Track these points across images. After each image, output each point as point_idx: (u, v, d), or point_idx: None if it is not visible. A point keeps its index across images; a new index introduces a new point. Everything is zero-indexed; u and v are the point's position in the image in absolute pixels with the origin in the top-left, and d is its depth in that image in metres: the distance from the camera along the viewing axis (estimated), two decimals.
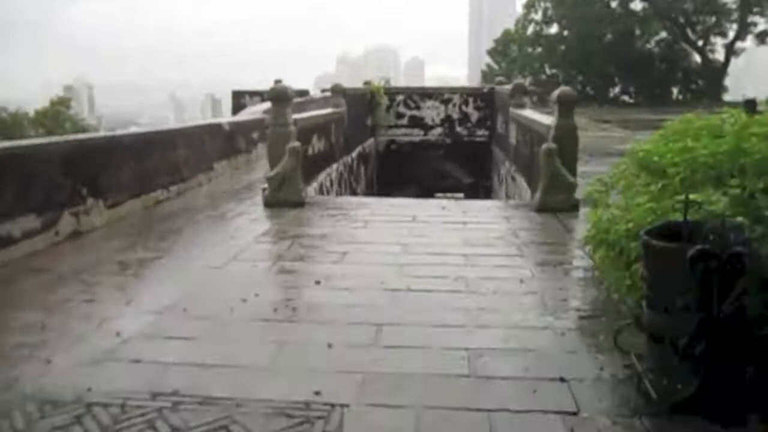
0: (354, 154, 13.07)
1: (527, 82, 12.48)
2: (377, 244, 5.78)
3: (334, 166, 10.68)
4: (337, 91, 12.06)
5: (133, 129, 11.29)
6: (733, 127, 4.49)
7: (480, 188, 16.97)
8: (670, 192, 3.96)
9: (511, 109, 11.63)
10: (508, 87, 13.13)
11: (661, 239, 2.87)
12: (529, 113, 10.02)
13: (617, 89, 40.71)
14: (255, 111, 14.13)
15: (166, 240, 6.02)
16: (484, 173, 16.62)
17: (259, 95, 21.96)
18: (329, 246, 5.74)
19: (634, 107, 35.52)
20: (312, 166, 9.00)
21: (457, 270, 4.91)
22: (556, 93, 7.41)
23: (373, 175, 15.97)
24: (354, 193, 12.88)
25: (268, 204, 7.58)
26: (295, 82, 12.48)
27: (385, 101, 16.11)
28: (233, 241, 5.91)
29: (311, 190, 8.75)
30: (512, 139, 11.48)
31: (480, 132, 16.75)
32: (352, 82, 19.35)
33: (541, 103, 35.43)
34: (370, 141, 15.85)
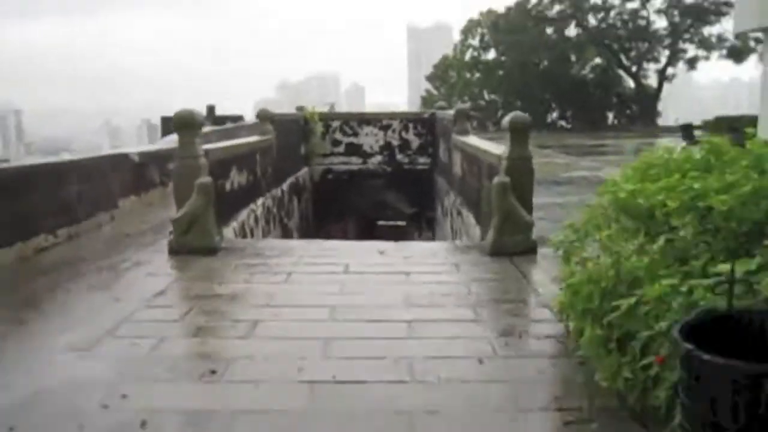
0: (285, 186, 11.90)
1: (467, 107, 11.57)
2: (299, 308, 4.64)
3: (260, 201, 9.48)
4: (264, 117, 10.90)
5: (65, 156, 9.80)
6: (722, 158, 3.66)
7: (423, 219, 16.04)
8: (678, 251, 3.01)
9: (454, 136, 10.74)
10: (450, 112, 12.28)
11: (700, 337, 1.86)
12: (474, 141, 9.12)
13: (554, 114, 41.07)
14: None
15: (30, 306, 4.72)
16: (427, 203, 15.69)
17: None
18: (238, 311, 4.56)
19: (571, 132, 35.71)
20: (231, 204, 7.79)
21: (399, 346, 3.83)
22: (507, 119, 6.49)
23: (307, 207, 14.80)
24: (285, 229, 11.68)
25: (174, 251, 6.34)
26: (234, 107, 11.26)
27: (320, 128, 15.04)
28: (117, 306, 4.67)
29: (230, 231, 7.53)
30: (457, 169, 10.56)
31: (422, 159, 15.86)
32: (292, 107, 18.23)
33: (481, 129, 35.34)
34: (305, 170, 14.70)
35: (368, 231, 18.17)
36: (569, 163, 17.20)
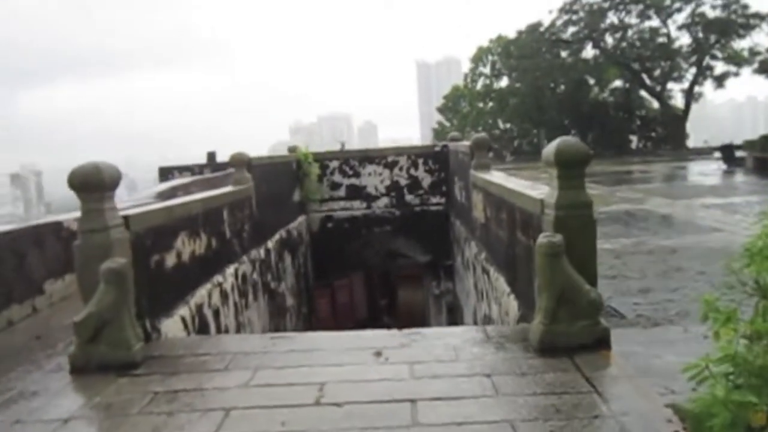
0: (270, 244, 9.87)
1: (485, 136, 9.53)
2: None
3: (230, 269, 7.44)
4: (239, 162, 8.94)
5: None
6: None
7: (440, 268, 13.89)
8: None
9: (473, 173, 8.69)
10: (465, 143, 10.26)
11: None
12: (499, 179, 7.04)
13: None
14: (144, 196, 10.94)
15: None
16: (443, 250, 13.56)
17: (189, 170, 19.24)
18: None
19: (594, 158, 33.59)
20: (176, 285, 5.76)
21: None
22: (551, 148, 4.41)
23: (305, 264, 12.74)
24: (273, 297, 9.61)
25: (76, 369, 4.33)
26: (249, 152, 9.43)
27: (315, 170, 13.08)
28: None
29: (174, 324, 5.48)
30: (478, 213, 8.47)
31: (434, 200, 13.81)
32: (308, 149, 16.51)
33: (497, 159, 33.24)
34: (300, 220, 12.69)
35: (377, 286, 16.07)
36: (604, 195, 15.06)
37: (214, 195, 7.34)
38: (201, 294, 6.33)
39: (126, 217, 4.88)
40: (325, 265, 13.53)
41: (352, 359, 4.33)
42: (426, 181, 13.83)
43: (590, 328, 4.24)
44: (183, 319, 5.71)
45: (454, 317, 13.64)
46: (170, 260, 5.66)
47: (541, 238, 4.24)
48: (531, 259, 5.10)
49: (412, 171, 13.81)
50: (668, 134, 35.70)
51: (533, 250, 5.02)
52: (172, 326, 5.45)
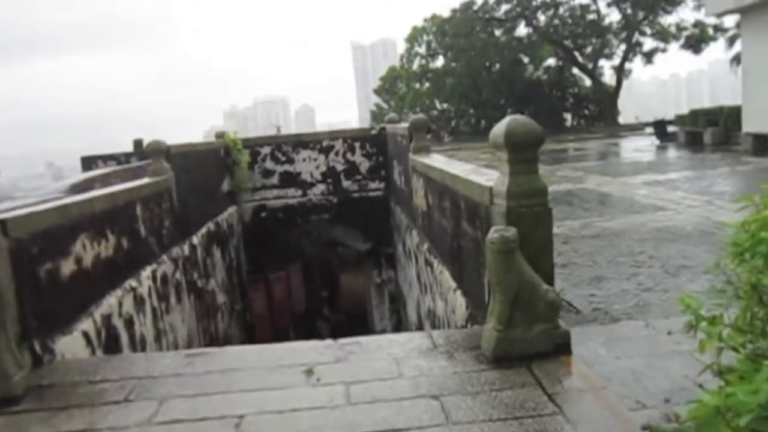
0: (196, 239, 9.07)
1: (424, 117, 8.94)
2: None
3: (146, 271, 6.65)
4: (156, 151, 8.09)
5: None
6: None
7: (381, 255, 13.35)
8: None
9: (412, 157, 8.13)
10: (404, 125, 9.69)
11: None
12: (441, 163, 6.50)
13: None
14: (52, 190, 9.95)
15: None
16: (384, 238, 13.01)
17: (115, 159, 18.06)
18: None
19: None
20: (75, 296, 4.97)
21: None
22: (500, 129, 3.87)
23: (238, 257, 11.96)
24: (201, 296, 8.83)
25: None
26: (182, 138, 8.45)
27: (245, 157, 12.24)
28: None
29: (74, 341, 4.71)
30: (419, 200, 7.93)
31: (373, 185, 13.21)
32: (243, 133, 15.66)
33: (435, 140, 32.90)
34: (230, 211, 11.88)
35: (316, 277, 15.42)
36: (545, 174, 14.80)
37: (123, 189, 6.51)
38: (109, 303, 5.55)
39: (2, 222, 4.08)
40: (260, 258, 12.77)
41: (279, 381, 3.71)
42: (364, 166, 13.20)
43: (549, 333, 3.76)
44: (85, 335, 4.94)
45: (397, 306, 13.17)
46: (67, 268, 4.87)
47: (492, 233, 3.71)
48: (480, 252, 4.59)
49: (349, 155, 13.16)
50: (601, 111, 36.19)
51: (482, 243, 4.50)
52: (70, 345, 4.68)
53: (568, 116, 37.91)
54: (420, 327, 8.74)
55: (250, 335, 12.24)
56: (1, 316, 3.69)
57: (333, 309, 15.34)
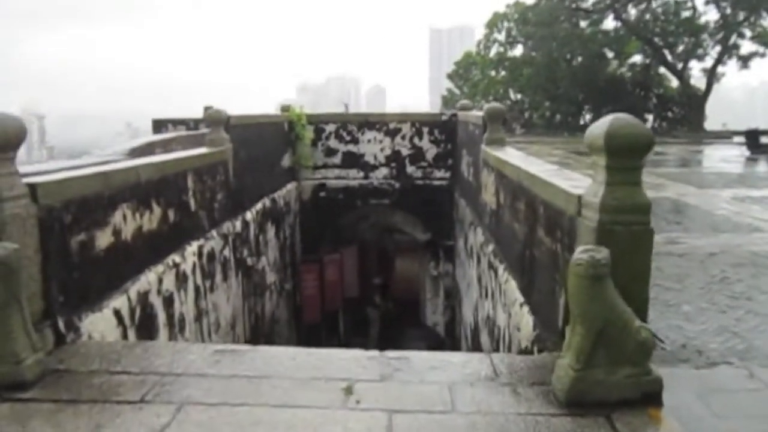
0: (250, 215, 8.72)
1: (501, 107, 8.21)
2: None
3: (191, 247, 6.31)
4: (216, 121, 7.74)
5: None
6: None
7: (440, 249, 12.77)
8: None
9: (485, 148, 7.49)
10: (477, 114, 9.03)
11: None
12: (518, 160, 5.84)
13: (588, 116, 37.37)
14: (111, 153, 9.78)
15: None
16: (445, 229, 12.43)
17: (184, 124, 18.16)
18: None
19: None
20: (111, 269, 4.63)
21: None
22: (600, 129, 3.21)
23: (293, 235, 11.62)
24: (249, 273, 8.50)
25: None
26: (254, 109, 8.19)
27: (309, 133, 11.86)
28: None
29: (103, 319, 4.37)
30: (488, 196, 7.30)
31: (439, 174, 12.61)
32: (314, 109, 15.34)
33: (508, 132, 31.72)
34: (289, 187, 11.53)
35: (371, 263, 14.99)
36: None
37: (173, 158, 6.16)
38: (148, 279, 5.21)
39: (32, 186, 3.73)
40: (315, 239, 12.42)
41: (312, 398, 3.22)
42: (430, 152, 12.60)
43: (637, 379, 3.12)
44: (117, 313, 4.60)
45: (452, 302, 12.58)
46: (103, 240, 4.52)
47: (580, 253, 3.08)
48: (556, 268, 3.96)
49: (416, 140, 12.58)
50: (686, 115, 34.12)
51: (560, 258, 3.88)
52: (100, 323, 4.35)
53: (650, 117, 35.90)
54: (476, 331, 8.15)
55: (298, 317, 11.93)
56: (18, 293, 3.33)
57: (385, 296, 14.89)
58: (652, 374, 3.13)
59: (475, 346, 8.32)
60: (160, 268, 5.49)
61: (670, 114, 36.05)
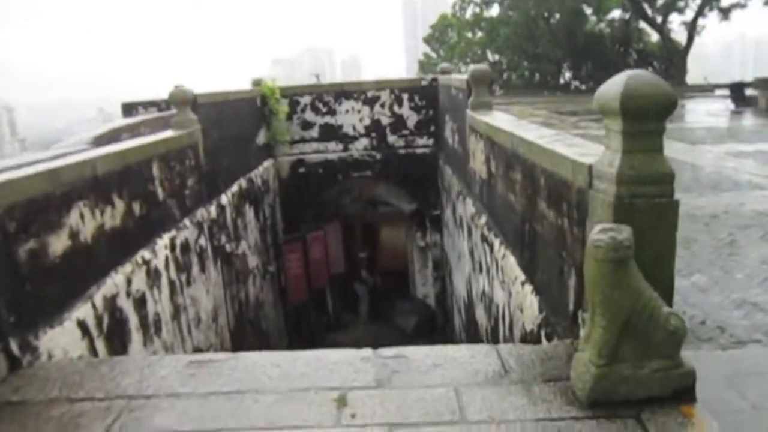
0: (225, 198, 8.23)
1: (487, 69, 7.72)
2: None
3: (163, 240, 5.84)
4: (181, 101, 7.19)
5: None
6: None
7: (426, 218, 12.39)
8: None
9: (471, 114, 7.04)
10: (460, 77, 8.56)
11: None
12: (510, 125, 5.40)
13: (568, 74, 36.87)
14: (73, 143, 9.22)
15: None
16: (431, 198, 12.03)
17: (155, 105, 17.45)
18: None
19: (588, 94, 31.51)
20: (70, 277, 4.16)
21: None
22: (615, 88, 2.78)
23: (272, 215, 11.14)
24: (229, 260, 8.05)
25: None
26: (229, 85, 7.62)
27: (283, 107, 11.29)
28: None
29: (64, 333, 3.92)
30: (477, 164, 6.88)
31: (421, 141, 12.14)
32: (288, 82, 14.75)
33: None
34: (265, 166, 11.01)
35: (355, 238, 14.58)
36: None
37: (136, 146, 5.63)
38: (115, 281, 4.75)
39: None
40: (297, 217, 11.95)
41: (300, 415, 2.82)
42: (412, 119, 12.11)
43: (667, 372, 2.75)
44: (81, 324, 4.14)
45: (442, 273, 12.26)
46: (58, 245, 4.04)
47: (599, 233, 2.67)
48: (563, 244, 3.57)
49: (396, 108, 12.07)
50: (667, 70, 33.70)
51: (567, 233, 3.48)
52: (61, 338, 3.90)
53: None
54: (470, 306, 7.81)
55: (284, 298, 11.54)
56: None
57: (372, 270, 14.53)
58: (684, 366, 2.77)
59: (470, 320, 7.99)
60: (128, 267, 5.02)
61: (651, 69, 35.59)
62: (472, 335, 7.60)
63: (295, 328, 11.99)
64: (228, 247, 8.04)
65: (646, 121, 2.80)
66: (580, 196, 3.26)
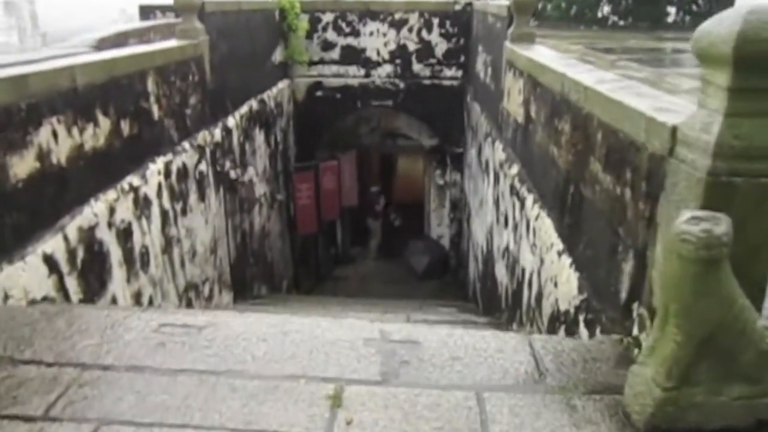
0: (233, 120, 7.57)
1: None
2: None
3: (156, 164, 5.24)
4: (187, 6, 6.43)
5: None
6: None
7: (447, 155, 11.70)
8: None
9: (510, 46, 6.24)
10: (499, 3, 7.66)
11: None
12: (560, 64, 4.63)
13: (606, 8, 34.84)
14: (69, 45, 8.49)
15: None
16: (453, 135, 11.29)
17: (174, 10, 16.54)
18: None
19: (626, 30, 29.71)
20: (36, 205, 3.60)
21: None
22: (725, 27, 2.07)
23: (284, 140, 10.48)
24: (233, 187, 7.47)
25: None
26: None
27: (303, 24, 10.41)
28: None
29: (26, 270, 3.39)
30: (512, 107, 6.14)
31: (449, 72, 11.26)
32: None
33: None
34: (280, 86, 10.25)
35: (370, 170, 13.91)
36: (653, 80, 12.42)
37: (128, 55, 4.94)
38: (94, 210, 4.19)
39: None
40: (310, 144, 11.28)
41: (284, 415, 2.28)
42: (440, 47, 11.19)
43: (750, 402, 2.17)
44: (48, 259, 3.61)
45: (459, 215, 11.66)
46: (21, 167, 3.45)
47: (688, 223, 2.02)
48: (621, 219, 2.93)
49: (424, 34, 11.13)
50: (712, 9, 31.77)
51: (629, 206, 2.84)
52: (22, 275, 3.38)
53: (672, 10, 33.51)
54: (489, 258, 7.25)
55: (293, 228, 11.05)
56: None
57: (386, 206, 13.96)
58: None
59: (486, 273, 7.45)
60: (111, 194, 4.45)
61: (694, 7, 33.56)
62: (489, 289, 7.08)
63: (302, 259, 11.56)
64: (233, 174, 7.44)
65: (765, 76, 2.09)
66: (653, 164, 2.59)
